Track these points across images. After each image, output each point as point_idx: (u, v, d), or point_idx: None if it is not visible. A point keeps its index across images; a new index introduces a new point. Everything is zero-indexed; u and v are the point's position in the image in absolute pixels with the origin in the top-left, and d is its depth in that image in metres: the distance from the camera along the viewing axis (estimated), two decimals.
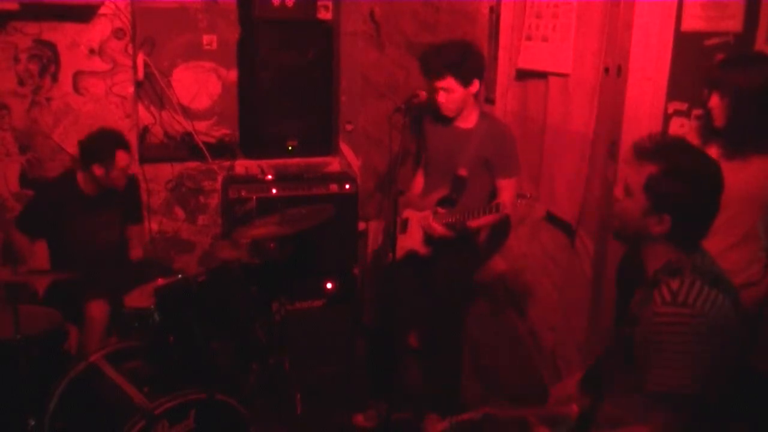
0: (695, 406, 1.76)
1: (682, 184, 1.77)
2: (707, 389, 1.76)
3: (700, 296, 1.73)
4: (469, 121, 3.10)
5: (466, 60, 2.99)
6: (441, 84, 2.98)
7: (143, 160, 3.98)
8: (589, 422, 1.97)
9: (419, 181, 3.37)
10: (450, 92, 3.00)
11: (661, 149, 1.81)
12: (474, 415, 2.13)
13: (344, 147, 4.48)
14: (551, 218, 3.13)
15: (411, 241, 3.17)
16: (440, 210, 3.08)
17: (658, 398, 1.76)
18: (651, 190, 1.78)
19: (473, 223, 3.02)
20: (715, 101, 2.29)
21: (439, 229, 3.03)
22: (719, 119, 2.31)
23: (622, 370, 1.94)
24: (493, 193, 3.14)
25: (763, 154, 2.29)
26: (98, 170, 3.26)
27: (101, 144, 3.29)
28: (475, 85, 3.03)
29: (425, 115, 3.24)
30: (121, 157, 3.28)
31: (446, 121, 3.11)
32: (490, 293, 3.57)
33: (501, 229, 3.37)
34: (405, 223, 3.23)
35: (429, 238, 3.12)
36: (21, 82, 3.66)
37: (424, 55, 3.04)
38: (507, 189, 3.09)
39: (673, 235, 1.82)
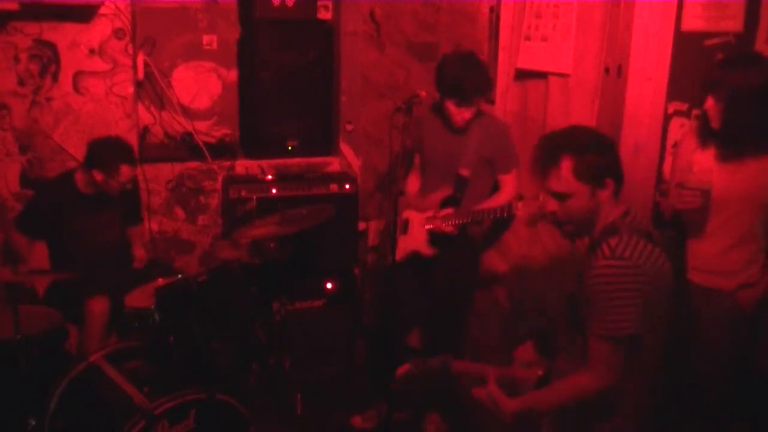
0: (632, 347, 1.94)
1: (597, 148, 2.00)
2: (646, 333, 1.94)
3: (636, 249, 1.93)
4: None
5: (489, 79, 3.08)
6: (467, 105, 3.00)
7: (143, 160, 3.98)
8: (546, 382, 2.13)
9: (413, 182, 3.37)
10: (471, 110, 3.03)
11: (553, 147, 2.04)
12: (435, 362, 2.33)
13: (344, 147, 4.47)
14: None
15: (413, 242, 3.17)
16: (446, 211, 3.07)
17: (598, 341, 1.94)
18: (583, 173, 1.99)
19: (484, 225, 3.05)
20: (710, 103, 2.29)
21: (449, 230, 3.03)
22: (715, 121, 2.31)
23: (571, 330, 2.11)
24: (495, 188, 3.15)
25: (759, 156, 2.29)
26: (98, 175, 3.26)
27: (108, 154, 3.27)
28: (482, 100, 3.10)
29: (423, 116, 3.24)
30: (124, 172, 3.28)
31: (448, 124, 3.11)
32: (491, 293, 3.57)
33: (499, 223, 3.37)
34: (405, 223, 3.22)
35: (434, 239, 3.11)
36: (21, 82, 3.66)
37: (452, 79, 2.99)
38: (509, 183, 3.13)
39: (614, 193, 2.03)
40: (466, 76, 2.95)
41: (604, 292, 1.92)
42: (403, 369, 2.38)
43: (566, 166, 1.99)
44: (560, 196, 2.03)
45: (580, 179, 1.99)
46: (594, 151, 2.00)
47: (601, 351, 1.94)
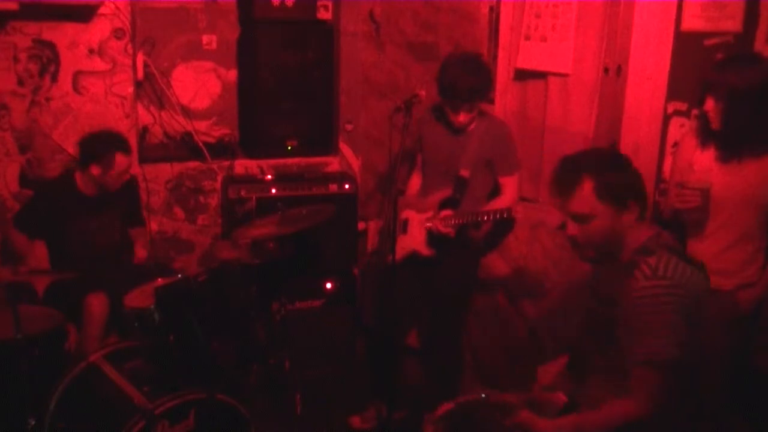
0: (677, 372, 1.87)
1: (622, 169, 1.98)
2: (688, 358, 1.88)
3: (677, 269, 1.89)
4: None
5: (490, 78, 3.07)
6: (467, 108, 2.99)
7: (143, 160, 3.98)
8: (574, 408, 2.06)
9: (415, 182, 3.37)
10: (472, 112, 3.02)
11: (574, 168, 1.99)
12: (476, 396, 2.24)
13: (344, 147, 4.47)
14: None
15: (413, 242, 3.16)
16: (445, 212, 3.07)
17: (642, 367, 1.87)
18: (605, 194, 1.93)
19: (483, 227, 3.05)
20: (710, 104, 2.29)
21: (448, 232, 3.02)
22: (715, 122, 2.31)
23: (602, 352, 2.05)
24: (495, 190, 3.15)
25: (758, 156, 2.29)
26: (95, 170, 3.26)
27: (101, 144, 3.28)
28: (486, 102, 3.10)
29: (424, 116, 3.23)
30: (120, 160, 3.27)
31: (448, 124, 3.11)
32: (491, 294, 3.57)
33: (501, 226, 3.37)
34: (405, 223, 3.22)
35: (432, 240, 3.11)
36: (21, 82, 3.66)
37: (452, 80, 2.95)
38: (509, 186, 3.10)
39: (640, 215, 1.98)
40: (460, 79, 2.92)
41: (649, 314, 1.86)
42: (445, 407, 2.21)
43: (588, 186, 1.94)
44: (581, 219, 1.97)
45: (603, 200, 1.93)
46: (615, 170, 1.96)
47: (646, 378, 1.87)
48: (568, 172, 1.99)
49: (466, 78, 2.93)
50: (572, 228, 2.00)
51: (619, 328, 1.95)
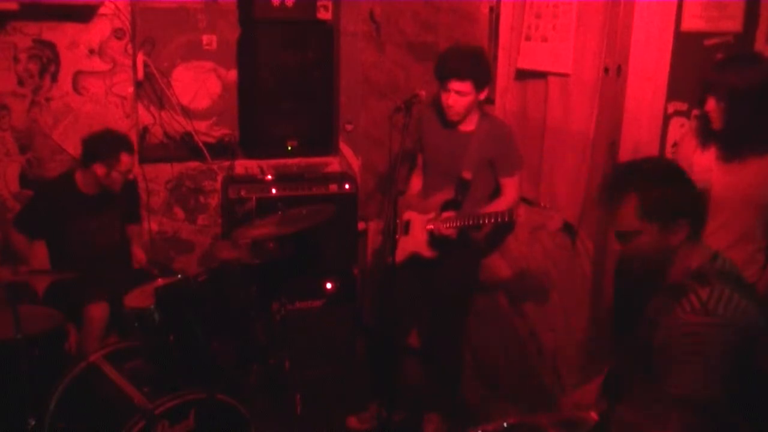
0: (715, 412, 1.77)
1: (671, 183, 1.83)
2: (726, 393, 1.77)
3: (730, 305, 1.74)
4: (469, 123, 3.09)
5: (486, 66, 3.02)
6: (457, 86, 2.94)
7: (143, 160, 3.98)
8: (605, 428, 1.98)
9: (416, 182, 3.36)
10: (463, 96, 2.96)
11: (619, 181, 1.87)
12: (499, 426, 2.08)
13: (344, 147, 4.47)
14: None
15: (414, 243, 3.16)
16: (447, 214, 3.07)
17: (679, 402, 1.76)
18: (651, 211, 1.81)
19: (484, 229, 3.04)
20: (711, 104, 2.29)
21: (450, 233, 3.02)
22: (717, 122, 2.31)
23: (640, 377, 1.94)
24: (496, 192, 3.15)
25: (760, 156, 2.29)
26: (100, 169, 3.25)
27: (106, 143, 3.28)
28: (485, 92, 3.04)
29: (424, 116, 3.23)
30: (125, 159, 3.27)
31: (447, 123, 3.11)
32: (492, 294, 3.57)
33: (502, 228, 3.37)
34: (407, 225, 3.22)
35: (434, 241, 3.11)
36: (21, 82, 3.66)
37: (445, 56, 2.99)
38: (511, 186, 3.10)
39: (692, 234, 1.84)
40: (451, 56, 2.96)
41: (692, 353, 1.74)
42: None
43: (633, 203, 1.81)
44: (625, 237, 1.87)
45: (648, 218, 1.81)
46: (663, 185, 1.82)
47: (679, 414, 1.76)
48: (614, 187, 1.87)
49: (461, 55, 2.96)
50: (616, 244, 1.90)
51: (656, 354, 1.84)
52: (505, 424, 2.06)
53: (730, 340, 1.73)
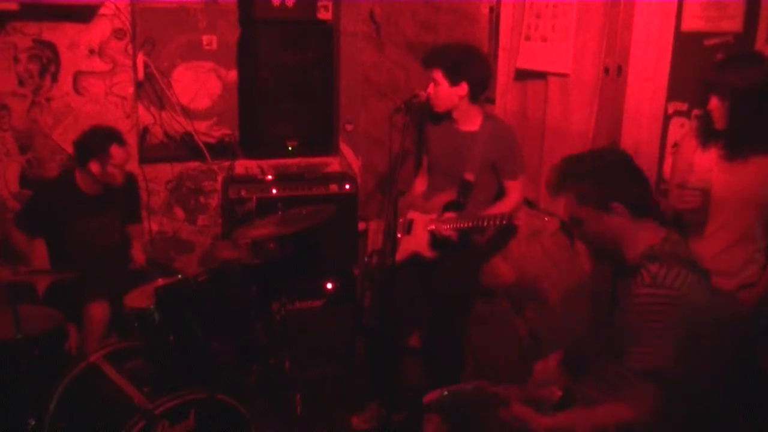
0: (675, 385, 1.86)
1: (598, 173, 1.98)
2: (688, 369, 1.86)
3: (678, 279, 1.85)
4: (472, 124, 3.09)
5: (461, 60, 2.99)
6: (430, 74, 3.01)
7: (143, 160, 3.98)
8: (569, 403, 2.08)
9: (420, 183, 3.36)
10: (437, 85, 3.01)
11: (558, 174, 2.05)
12: (467, 386, 2.29)
13: (344, 147, 4.47)
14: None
15: (416, 243, 3.16)
16: (449, 215, 3.07)
17: (638, 376, 1.86)
18: (586, 199, 1.98)
19: (487, 233, 3.05)
20: (714, 103, 2.29)
21: (451, 234, 3.02)
22: (720, 121, 2.30)
23: (601, 352, 2.05)
24: (500, 193, 3.14)
25: (762, 155, 2.29)
26: (94, 166, 3.25)
27: (94, 139, 3.28)
28: (463, 88, 2.99)
29: (427, 116, 3.23)
30: (116, 151, 3.26)
31: (449, 123, 3.11)
32: (492, 294, 3.57)
33: (505, 231, 3.37)
34: (409, 224, 3.22)
35: (435, 242, 3.11)
36: (21, 83, 3.66)
37: (429, 48, 3.09)
38: (515, 189, 3.09)
39: (633, 215, 1.96)
40: (439, 46, 3.04)
41: (644, 323, 1.85)
42: (435, 394, 2.29)
43: (569, 193, 2.00)
44: (573, 223, 2.03)
45: (584, 205, 1.99)
46: (593, 176, 1.99)
47: (643, 387, 1.87)
48: (553, 180, 2.04)
49: (441, 47, 3.03)
50: (552, 225, 2.12)
51: (617, 331, 1.96)
52: (469, 387, 2.26)
53: (681, 312, 1.83)
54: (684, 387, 1.88)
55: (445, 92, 3.01)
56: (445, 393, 2.26)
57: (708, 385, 1.98)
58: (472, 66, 3.01)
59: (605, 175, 1.99)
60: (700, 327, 1.86)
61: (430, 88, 3.03)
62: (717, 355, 2.00)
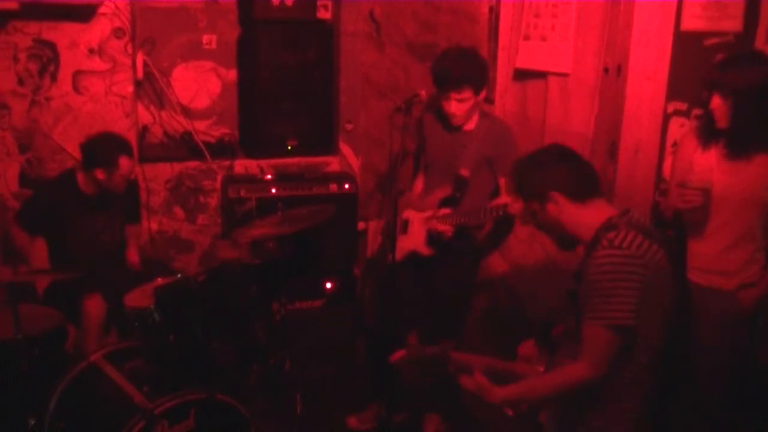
0: (626, 338, 1.92)
1: (532, 168, 2.12)
2: (643, 325, 1.92)
3: (635, 242, 1.93)
4: (470, 122, 3.09)
5: (481, 69, 3.01)
6: (457, 95, 2.95)
7: (143, 159, 3.98)
8: None
9: (420, 183, 3.36)
10: (465, 102, 2.97)
11: (511, 175, 2.21)
12: (433, 349, 2.39)
13: (344, 147, 4.48)
14: None
15: (413, 242, 3.16)
16: (444, 211, 3.07)
17: (594, 328, 1.93)
18: (525, 195, 2.13)
19: (485, 228, 3.04)
20: (717, 102, 2.28)
21: (445, 230, 3.02)
22: (722, 120, 2.30)
23: (568, 323, 2.10)
24: (496, 191, 3.14)
25: (763, 154, 2.29)
26: (100, 174, 3.25)
27: (105, 149, 3.26)
28: (484, 92, 3.03)
29: (425, 115, 3.23)
30: (124, 163, 3.25)
31: (447, 122, 3.11)
32: (491, 293, 3.57)
33: (502, 226, 3.37)
34: (405, 223, 3.22)
35: (432, 239, 3.11)
36: (21, 82, 3.66)
37: (440, 67, 2.98)
38: None
39: (573, 197, 2.06)
40: (450, 66, 2.95)
41: (603, 281, 1.92)
42: (398, 354, 2.40)
43: (513, 190, 2.19)
44: (530, 216, 2.16)
45: (527, 200, 2.13)
46: (525, 171, 2.13)
47: (595, 339, 1.93)
48: (508, 184, 2.23)
49: (455, 64, 2.95)
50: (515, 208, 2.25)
51: (581, 298, 2.02)
52: (434, 350, 2.37)
53: (637, 271, 1.90)
54: (635, 341, 1.95)
55: (472, 104, 3.00)
56: (411, 354, 2.37)
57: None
58: (485, 67, 3.05)
59: (537, 169, 2.11)
60: (656, 291, 1.94)
61: (454, 107, 2.97)
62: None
